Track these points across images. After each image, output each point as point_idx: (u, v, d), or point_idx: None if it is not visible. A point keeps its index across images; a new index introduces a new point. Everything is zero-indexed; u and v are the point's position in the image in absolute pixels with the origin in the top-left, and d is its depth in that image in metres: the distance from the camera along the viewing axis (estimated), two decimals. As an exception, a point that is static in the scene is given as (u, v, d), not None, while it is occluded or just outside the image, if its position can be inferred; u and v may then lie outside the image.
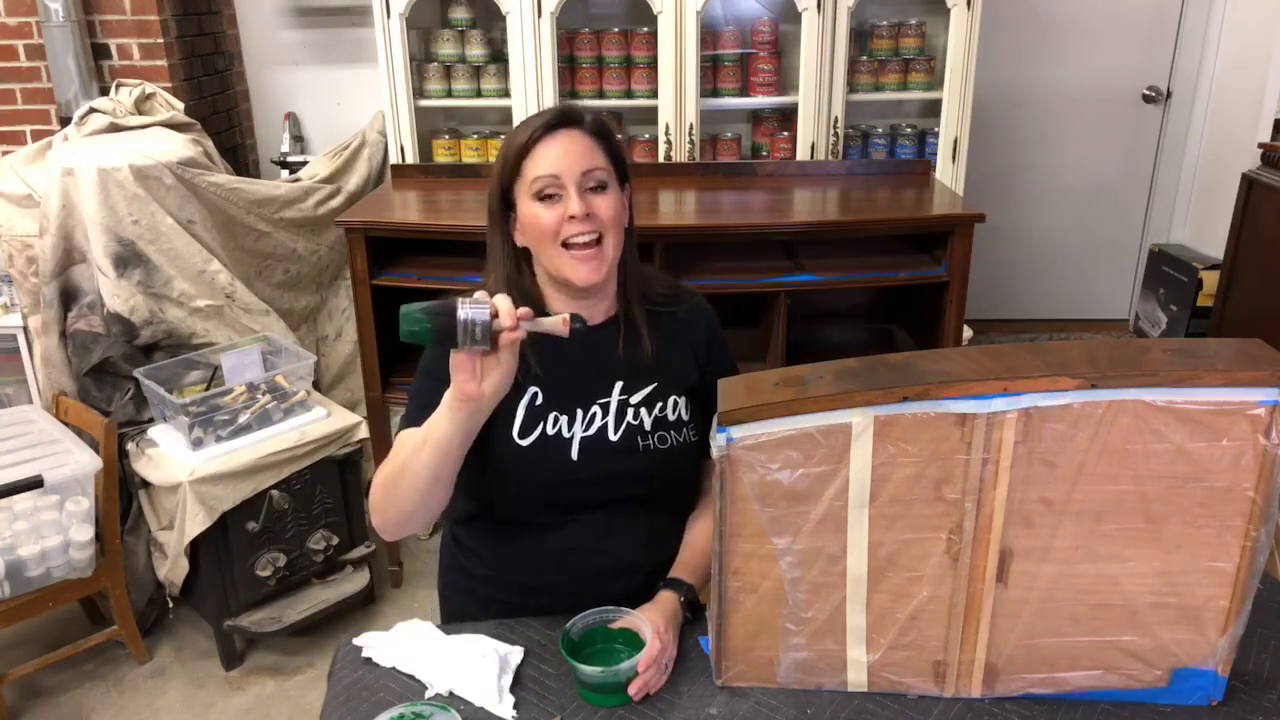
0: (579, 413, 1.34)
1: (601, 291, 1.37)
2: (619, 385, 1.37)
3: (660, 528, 1.39)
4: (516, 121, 2.80)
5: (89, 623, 2.57)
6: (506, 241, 1.36)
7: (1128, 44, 3.70)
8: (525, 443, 1.33)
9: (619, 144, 1.36)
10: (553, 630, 1.29)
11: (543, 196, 1.28)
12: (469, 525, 1.45)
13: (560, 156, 1.27)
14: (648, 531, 1.38)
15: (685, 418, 1.39)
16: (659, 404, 1.37)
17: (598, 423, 1.35)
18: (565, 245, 1.29)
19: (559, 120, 1.29)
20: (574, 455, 1.33)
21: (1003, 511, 1.09)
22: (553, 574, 1.37)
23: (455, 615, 1.48)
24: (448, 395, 1.15)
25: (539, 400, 1.34)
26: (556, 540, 1.37)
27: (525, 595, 1.39)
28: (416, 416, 1.28)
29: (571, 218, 1.27)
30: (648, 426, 1.36)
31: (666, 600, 1.29)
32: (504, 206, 1.34)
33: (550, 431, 1.33)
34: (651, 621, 1.22)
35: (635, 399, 1.37)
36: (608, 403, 1.36)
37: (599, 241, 1.29)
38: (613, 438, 1.34)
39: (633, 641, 1.21)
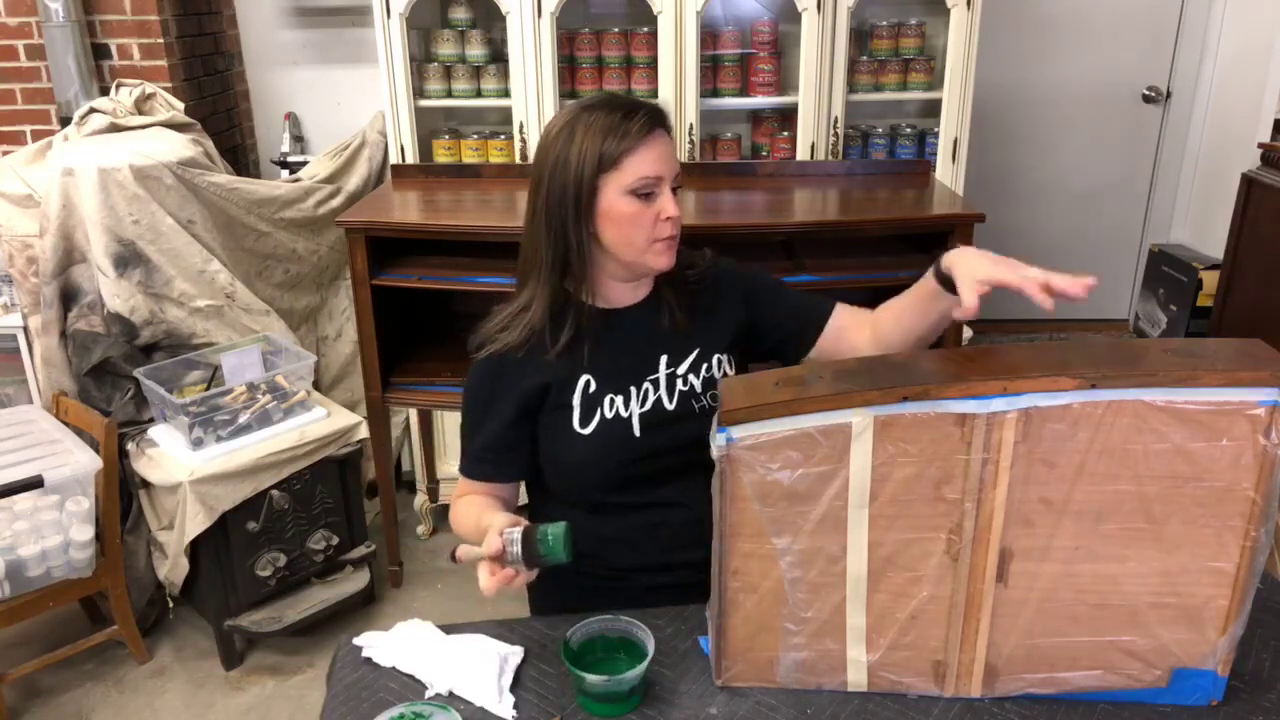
0: (632, 391, 1.39)
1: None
2: (664, 359, 1.42)
3: None
4: (516, 121, 2.81)
5: (89, 623, 2.57)
6: (565, 236, 1.34)
7: (1128, 44, 3.70)
8: (587, 431, 1.38)
9: None
10: (553, 630, 1.30)
11: (641, 194, 1.32)
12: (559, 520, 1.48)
13: (661, 158, 1.32)
14: None
15: (731, 371, 1.45)
16: (704, 365, 1.43)
17: (651, 397, 1.40)
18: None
19: (655, 120, 1.33)
20: (636, 432, 1.38)
21: (1003, 511, 1.09)
22: (650, 551, 1.42)
23: (552, 610, 1.48)
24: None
25: (592, 388, 1.39)
26: (644, 518, 1.42)
27: (625, 578, 1.44)
28: (473, 459, 1.43)
29: (668, 218, 1.33)
30: (699, 389, 1.41)
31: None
32: (588, 195, 1.32)
33: (609, 415, 1.39)
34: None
35: (682, 368, 1.42)
36: (657, 378, 1.41)
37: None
38: (669, 407, 1.40)
39: (633, 651, 1.21)
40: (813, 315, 1.47)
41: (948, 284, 1.23)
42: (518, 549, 1.16)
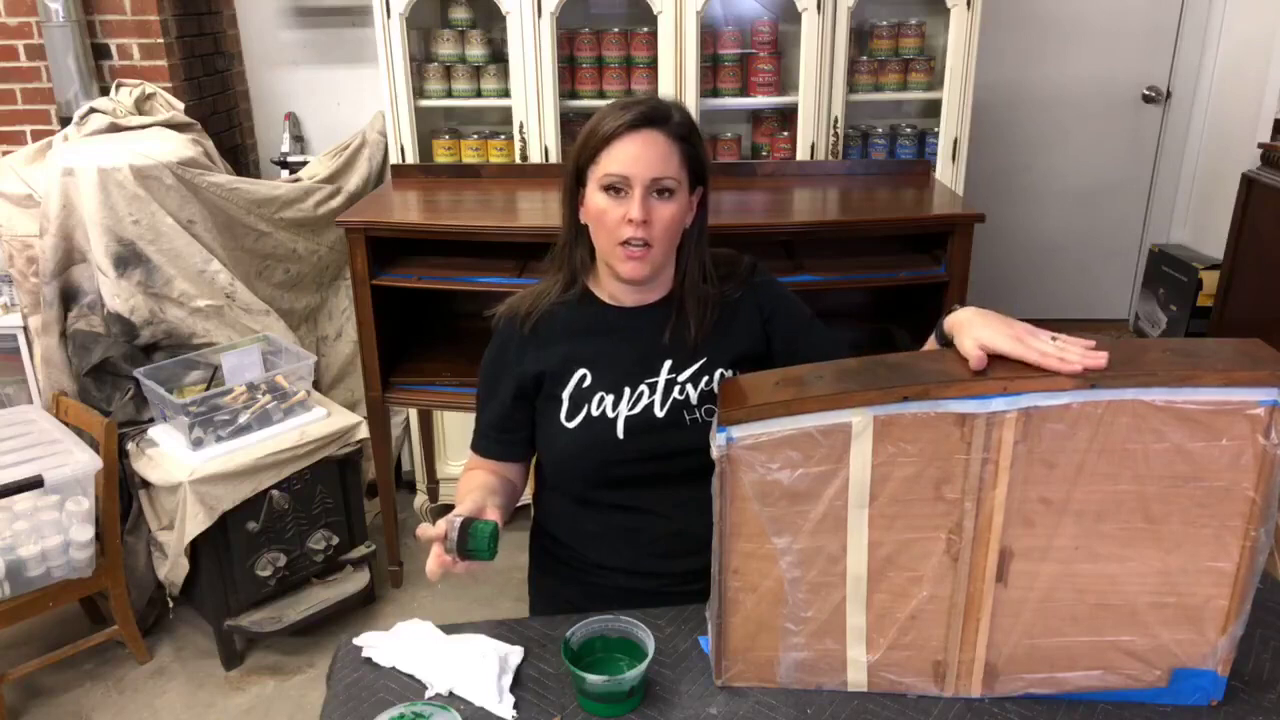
0: (626, 392, 1.38)
1: (654, 279, 1.40)
2: (667, 364, 1.40)
3: None
4: (516, 121, 2.82)
5: (89, 623, 2.57)
6: (573, 214, 1.39)
7: (1128, 44, 3.70)
8: (572, 425, 1.38)
9: (702, 146, 1.37)
10: (553, 630, 1.30)
11: (610, 189, 1.31)
12: (551, 507, 1.51)
13: (635, 159, 1.29)
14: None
15: None
16: (705, 378, 1.40)
17: (644, 401, 1.38)
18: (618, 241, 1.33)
19: (645, 120, 1.30)
20: (620, 434, 1.37)
21: (1002, 511, 1.08)
22: (628, 555, 1.42)
23: (549, 607, 1.51)
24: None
25: (586, 382, 1.39)
26: (624, 520, 1.42)
27: (607, 576, 1.45)
28: (480, 434, 1.47)
29: (630, 221, 1.30)
30: (694, 400, 1.39)
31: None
32: (576, 181, 1.37)
33: (595, 412, 1.38)
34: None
35: (683, 376, 1.40)
36: (655, 382, 1.39)
37: (648, 244, 1.32)
38: (659, 414, 1.38)
39: (633, 651, 1.21)
40: (829, 357, 1.44)
41: (950, 345, 1.20)
42: (454, 537, 1.19)
